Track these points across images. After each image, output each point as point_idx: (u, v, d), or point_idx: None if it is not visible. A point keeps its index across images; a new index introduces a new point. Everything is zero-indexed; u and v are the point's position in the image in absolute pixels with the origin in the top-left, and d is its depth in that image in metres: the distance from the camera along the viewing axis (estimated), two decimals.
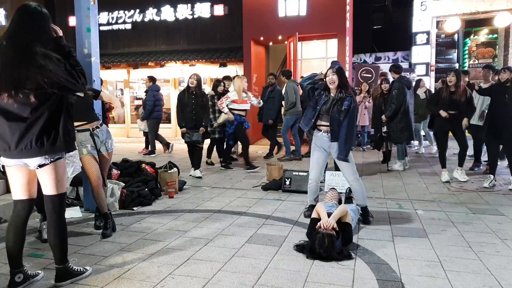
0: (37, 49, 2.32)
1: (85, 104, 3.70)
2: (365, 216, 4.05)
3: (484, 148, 6.68)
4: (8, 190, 4.50)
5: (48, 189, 2.55)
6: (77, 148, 3.61)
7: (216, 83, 7.65)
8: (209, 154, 7.68)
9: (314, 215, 3.53)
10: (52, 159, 2.48)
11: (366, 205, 4.07)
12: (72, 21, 12.66)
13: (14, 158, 2.45)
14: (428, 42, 10.93)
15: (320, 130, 4.03)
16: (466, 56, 13.38)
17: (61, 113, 2.46)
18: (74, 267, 2.73)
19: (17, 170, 2.51)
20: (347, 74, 10.60)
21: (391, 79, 7.31)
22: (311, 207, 4.15)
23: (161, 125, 13.53)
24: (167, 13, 12.42)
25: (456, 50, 13.51)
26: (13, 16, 2.42)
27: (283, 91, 8.19)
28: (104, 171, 3.83)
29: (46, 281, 2.74)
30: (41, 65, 2.29)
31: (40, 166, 2.47)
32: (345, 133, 3.86)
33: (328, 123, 3.93)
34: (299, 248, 3.26)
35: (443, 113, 5.72)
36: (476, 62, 13.18)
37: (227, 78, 8.17)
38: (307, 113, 4.10)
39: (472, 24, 13.15)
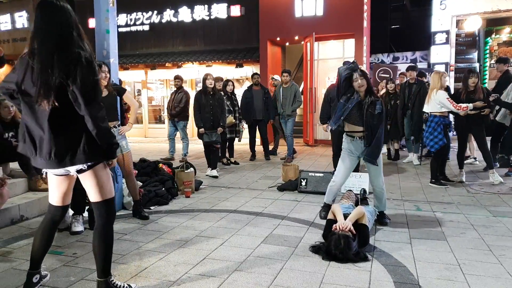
0: (73, 50, 2.17)
1: (108, 103, 3.87)
2: (382, 218, 4.03)
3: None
4: (29, 189, 4.62)
5: (91, 196, 2.44)
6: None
7: (225, 82, 7.71)
8: (223, 154, 7.72)
9: (330, 216, 3.51)
10: (89, 164, 2.31)
11: (383, 210, 4.07)
12: (91, 23, 12.85)
13: (45, 168, 2.36)
14: (447, 41, 10.73)
15: (353, 137, 3.97)
16: (487, 55, 13.08)
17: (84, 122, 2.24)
18: (116, 282, 2.52)
19: (56, 177, 2.44)
20: None
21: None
22: (326, 207, 4.15)
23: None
24: (184, 14, 12.53)
25: (477, 49, 13.22)
26: (37, 14, 2.21)
27: (291, 91, 8.00)
28: (128, 168, 4.14)
29: (66, 278, 2.80)
30: (76, 71, 2.13)
31: (78, 171, 2.35)
32: (378, 137, 3.82)
33: (360, 128, 3.90)
34: (315, 249, 3.25)
35: (461, 112, 5.64)
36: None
37: (218, 79, 8.06)
38: (337, 111, 3.97)
39: (494, 23, 12.84)
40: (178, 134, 8.30)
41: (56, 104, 2.17)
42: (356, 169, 4.44)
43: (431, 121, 5.58)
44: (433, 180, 5.74)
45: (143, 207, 4.35)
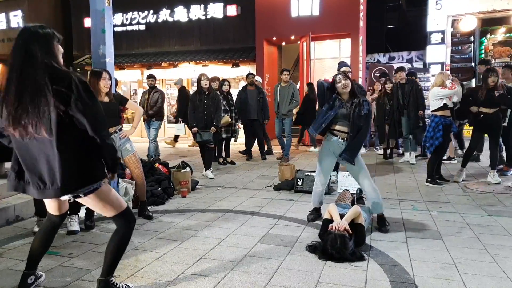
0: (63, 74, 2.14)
1: (109, 110, 3.94)
2: (382, 225, 3.80)
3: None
4: None
5: (104, 214, 2.44)
6: None
7: (221, 82, 7.71)
8: (219, 154, 7.71)
9: (326, 216, 3.52)
10: (84, 192, 2.26)
11: (383, 213, 3.84)
12: (87, 22, 12.85)
13: (47, 198, 2.34)
14: (443, 41, 10.79)
15: (336, 136, 3.80)
16: (483, 55, 13.15)
17: (80, 147, 2.21)
18: (116, 282, 2.53)
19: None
20: (360, 74, 10.57)
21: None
22: (315, 210, 4.14)
23: (174, 125, 13.79)
24: (180, 14, 12.51)
25: (472, 49, 13.29)
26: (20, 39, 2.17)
27: (289, 91, 7.92)
28: (137, 170, 4.25)
29: (62, 278, 2.79)
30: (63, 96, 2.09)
31: (74, 197, 2.29)
32: (360, 137, 3.71)
33: (346, 129, 3.73)
34: (311, 248, 3.25)
35: (474, 109, 5.67)
36: (493, 61, 12.95)
37: (214, 79, 7.93)
38: (318, 118, 3.84)
39: (489, 23, 12.91)
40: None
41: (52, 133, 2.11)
42: None
43: (432, 121, 5.60)
44: (429, 180, 5.75)
45: (142, 207, 4.37)
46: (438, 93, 5.51)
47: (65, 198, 2.32)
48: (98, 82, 3.89)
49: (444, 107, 5.54)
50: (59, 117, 2.10)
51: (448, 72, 6.18)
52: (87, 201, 2.36)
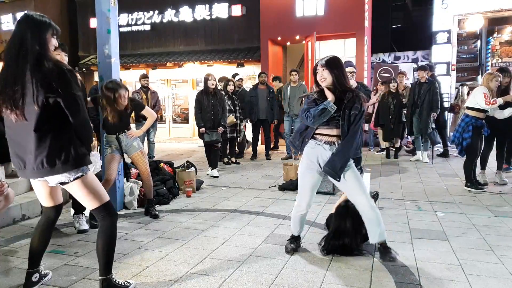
0: (46, 63, 2.20)
1: (123, 116, 4.11)
2: (385, 254, 3.04)
3: None
4: (31, 188, 4.63)
5: (87, 205, 2.45)
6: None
7: (226, 82, 7.72)
8: (224, 154, 7.72)
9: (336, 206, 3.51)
10: (72, 178, 2.31)
11: (385, 240, 3.07)
12: (93, 22, 12.90)
13: (30, 178, 2.38)
14: (449, 41, 10.72)
15: (319, 141, 3.02)
16: (489, 55, 13.06)
17: (70, 127, 2.28)
18: (117, 280, 2.57)
19: (37, 183, 2.45)
20: (365, 73, 10.52)
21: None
22: (294, 239, 3.30)
23: (180, 125, 13.86)
24: (185, 14, 12.53)
25: (479, 49, 13.20)
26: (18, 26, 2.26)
27: (299, 90, 7.87)
28: (144, 167, 4.31)
29: (68, 277, 2.81)
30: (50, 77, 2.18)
31: (62, 183, 2.33)
32: (347, 142, 2.94)
33: (330, 132, 2.99)
34: (324, 241, 3.26)
35: (489, 107, 5.24)
36: (500, 61, 12.85)
37: (222, 79, 8.00)
38: (299, 131, 3.16)
39: (496, 22, 12.82)
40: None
41: (26, 117, 2.20)
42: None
43: (462, 120, 5.40)
44: (468, 184, 5.41)
45: (148, 205, 4.40)
46: (477, 95, 5.18)
47: (52, 184, 2.35)
48: (115, 97, 3.92)
49: (478, 108, 5.23)
50: (40, 102, 2.17)
51: (498, 73, 5.38)
52: (71, 188, 2.37)
